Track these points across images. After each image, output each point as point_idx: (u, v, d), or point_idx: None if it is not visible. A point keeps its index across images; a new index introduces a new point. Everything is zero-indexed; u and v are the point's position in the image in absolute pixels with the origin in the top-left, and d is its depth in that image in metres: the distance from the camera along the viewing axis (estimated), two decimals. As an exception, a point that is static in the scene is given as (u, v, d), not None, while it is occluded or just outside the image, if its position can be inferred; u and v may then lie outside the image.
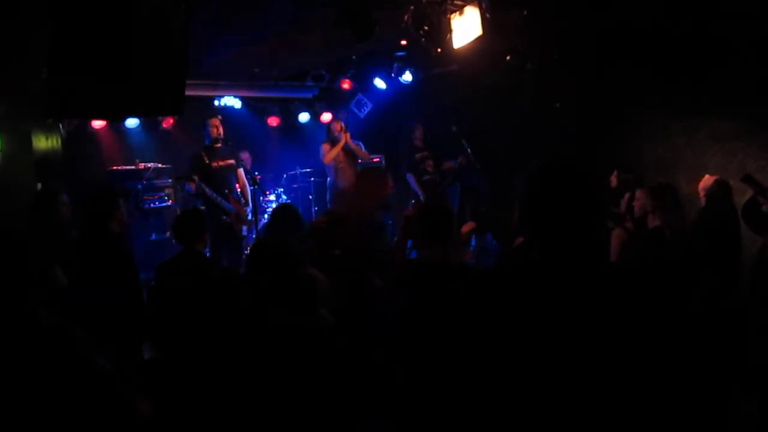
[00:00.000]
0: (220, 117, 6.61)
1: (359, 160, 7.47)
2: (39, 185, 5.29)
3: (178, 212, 7.16)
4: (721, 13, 5.35)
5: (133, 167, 7.33)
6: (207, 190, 6.18)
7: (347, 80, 8.48)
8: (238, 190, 6.68)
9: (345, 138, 7.30)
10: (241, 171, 6.67)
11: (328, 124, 7.74)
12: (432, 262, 3.13)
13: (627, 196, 4.79)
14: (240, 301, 3.01)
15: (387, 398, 3.01)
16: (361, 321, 3.27)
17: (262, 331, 2.69)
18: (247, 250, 6.27)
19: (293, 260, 2.86)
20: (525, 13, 5.98)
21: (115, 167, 7.32)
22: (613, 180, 5.98)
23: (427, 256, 3.18)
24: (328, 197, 7.44)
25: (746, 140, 5.71)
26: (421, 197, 7.47)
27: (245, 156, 8.14)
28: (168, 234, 7.19)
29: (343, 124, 7.51)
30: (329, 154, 7.27)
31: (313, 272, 3.25)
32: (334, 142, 7.39)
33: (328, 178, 7.46)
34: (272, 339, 2.67)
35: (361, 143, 7.62)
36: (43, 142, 5.59)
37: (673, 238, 4.09)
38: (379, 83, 8.43)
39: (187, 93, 4.38)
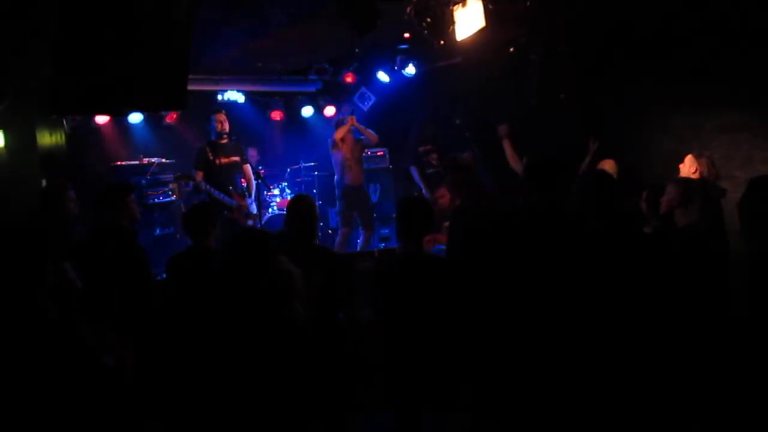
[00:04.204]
0: (224, 112, 6.61)
1: (366, 153, 7.50)
2: (44, 181, 5.30)
3: (183, 207, 7.17)
4: (729, 3, 5.32)
5: (137, 162, 7.34)
6: (207, 186, 6.20)
7: (350, 74, 8.46)
8: (244, 184, 6.70)
9: (351, 120, 7.32)
10: (247, 166, 6.69)
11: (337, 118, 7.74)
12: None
13: (645, 193, 4.39)
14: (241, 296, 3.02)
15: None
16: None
17: (245, 324, 2.72)
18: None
19: (267, 250, 2.90)
20: (528, 4, 5.95)
21: (119, 162, 7.33)
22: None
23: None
24: (337, 194, 7.44)
25: (752, 131, 5.67)
26: (424, 190, 7.46)
27: (253, 153, 8.14)
28: (172, 229, 7.20)
29: (351, 110, 7.58)
30: (338, 132, 7.30)
31: (289, 266, 3.23)
32: (339, 123, 7.44)
33: (335, 176, 7.46)
34: (252, 332, 2.70)
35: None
36: (47, 138, 5.58)
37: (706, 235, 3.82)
38: (383, 76, 8.41)
39: (190, 87, 4.38)
